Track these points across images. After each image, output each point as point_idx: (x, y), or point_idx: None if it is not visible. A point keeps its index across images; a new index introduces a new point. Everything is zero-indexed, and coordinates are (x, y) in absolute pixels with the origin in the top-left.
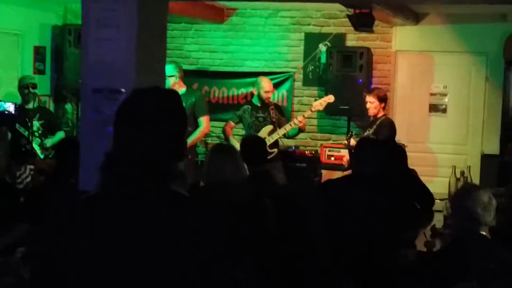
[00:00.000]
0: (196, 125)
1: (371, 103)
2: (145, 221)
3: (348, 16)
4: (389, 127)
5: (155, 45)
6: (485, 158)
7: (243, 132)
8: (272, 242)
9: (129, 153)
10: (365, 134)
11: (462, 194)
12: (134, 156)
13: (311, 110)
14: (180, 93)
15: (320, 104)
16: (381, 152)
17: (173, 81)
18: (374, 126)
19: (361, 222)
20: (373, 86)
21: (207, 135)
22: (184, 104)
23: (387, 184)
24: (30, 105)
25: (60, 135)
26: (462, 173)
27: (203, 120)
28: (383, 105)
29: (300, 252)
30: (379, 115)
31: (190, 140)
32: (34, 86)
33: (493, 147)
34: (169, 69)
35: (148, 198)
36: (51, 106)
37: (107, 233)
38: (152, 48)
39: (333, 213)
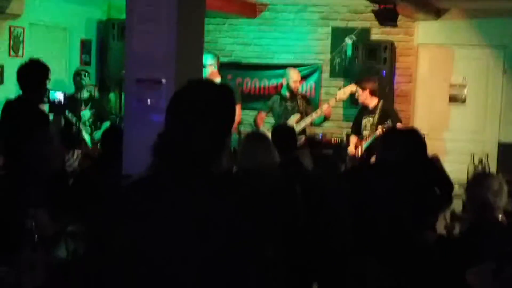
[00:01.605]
0: None
1: (357, 93)
2: (190, 206)
3: (373, 11)
4: (395, 112)
5: (194, 38)
6: (502, 146)
7: (273, 121)
8: (301, 224)
9: (178, 136)
10: (364, 122)
11: (474, 182)
12: (181, 139)
13: (336, 99)
14: None
15: (344, 92)
16: (405, 140)
17: (211, 70)
18: (376, 114)
19: (384, 206)
20: (396, 77)
21: (239, 123)
22: None
23: (409, 170)
24: (82, 94)
25: (106, 125)
26: (481, 160)
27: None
28: (368, 92)
29: (327, 233)
30: (373, 103)
31: None
32: (86, 73)
33: (510, 136)
34: (208, 58)
35: (194, 184)
36: (96, 95)
37: (156, 216)
38: (191, 41)
39: (357, 197)
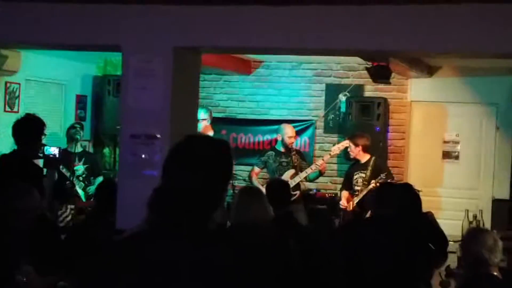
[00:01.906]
0: None
1: (352, 150)
2: (184, 261)
3: (367, 69)
4: (386, 166)
5: (189, 94)
6: (496, 203)
7: (267, 176)
8: (296, 279)
9: (174, 189)
10: (356, 177)
11: (468, 238)
12: (178, 193)
13: (330, 155)
14: None
15: (337, 148)
16: (400, 195)
17: (204, 124)
18: (369, 168)
19: (379, 262)
20: (389, 133)
21: (234, 178)
22: None
23: (404, 225)
24: (76, 148)
25: (99, 180)
26: (475, 216)
27: None
28: (360, 149)
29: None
30: (365, 158)
31: None
32: (80, 126)
33: (504, 192)
34: (201, 112)
35: (188, 238)
36: (91, 150)
37: (150, 270)
38: (186, 97)
39: (352, 253)
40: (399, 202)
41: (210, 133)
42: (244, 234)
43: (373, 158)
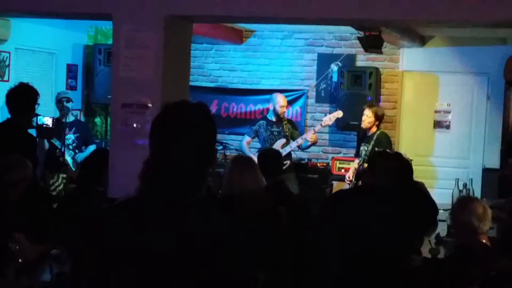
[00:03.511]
0: None
1: (368, 117)
2: (175, 227)
3: (359, 38)
4: (388, 141)
5: (181, 63)
6: (486, 172)
7: (259, 145)
8: (287, 245)
9: (163, 162)
10: (361, 148)
11: (458, 207)
12: (167, 165)
13: (321, 125)
14: None
15: (329, 119)
16: (392, 165)
17: None
18: (372, 142)
19: (369, 230)
20: (381, 103)
21: (225, 147)
22: None
23: (395, 195)
24: (66, 119)
25: (92, 148)
26: (465, 185)
27: None
28: (377, 123)
29: (312, 255)
30: (373, 130)
31: None
32: (69, 100)
33: (494, 161)
34: None
35: (179, 205)
36: (82, 119)
37: (141, 236)
38: (177, 66)
39: (341, 221)
40: (389, 172)
41: None
42: (236, 203)
43: (378, 131)
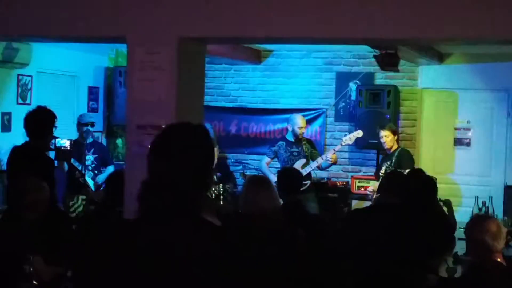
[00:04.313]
0: None
1: (387, 137)
2: (170, 245)
3: (375, 57)
4: (409, 157)
5: (194, 84)
6: (508, 189)
7: (278, 165)
8: (304, 266)
9: (160, 183)
10: (384, 168)
11: (472, 225)
12: (163, 185)
13: (341, 144)
14: None
15: (349, 138)
16: (407, 183)
17: None
18: (394, 158)
19: (384, 249)
20: (400, 121)
21: (245, 167)
22: None
23: (411, 213)
24: (86, 140)
25: (111, 169)
26: (484, 203)
27: None
28: (396, 138)
29: (328, 277)
30: (394, 147)
31: None
32: (93, 124)
33: None
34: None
35: (174, 224)
36: (103, 141)
37: (141, 253)
38: (191, 87)
39: (358, 239)
40: (405, 190)
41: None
42: (246, 222)
43: (399, 148)
